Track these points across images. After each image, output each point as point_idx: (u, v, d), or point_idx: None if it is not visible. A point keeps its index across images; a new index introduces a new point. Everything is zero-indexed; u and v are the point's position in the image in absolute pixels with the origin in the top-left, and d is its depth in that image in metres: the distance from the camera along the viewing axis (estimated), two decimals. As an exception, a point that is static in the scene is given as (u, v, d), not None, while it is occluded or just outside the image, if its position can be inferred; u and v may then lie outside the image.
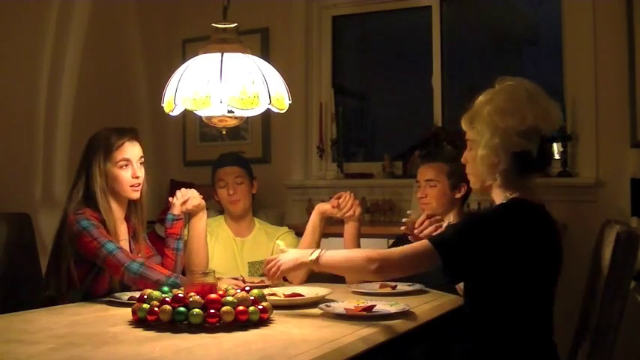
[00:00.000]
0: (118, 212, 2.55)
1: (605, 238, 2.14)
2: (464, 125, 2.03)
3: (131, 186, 2.51)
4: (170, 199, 2.72)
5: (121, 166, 2.49)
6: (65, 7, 3.83)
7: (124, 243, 2.53)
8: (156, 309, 1.92)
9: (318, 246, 2.79)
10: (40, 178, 3.66)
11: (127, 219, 2.60)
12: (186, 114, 2.43)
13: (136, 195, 2.54)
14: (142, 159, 2.56)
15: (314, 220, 2.85)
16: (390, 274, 2.07)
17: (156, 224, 3.79)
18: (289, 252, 2.15)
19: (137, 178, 2.51)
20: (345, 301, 2.23)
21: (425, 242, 1.92)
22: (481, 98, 2.00)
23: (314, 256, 2.03)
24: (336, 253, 2.07)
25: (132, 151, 2.52)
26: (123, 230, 2.56)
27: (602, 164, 3.59)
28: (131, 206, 2.60)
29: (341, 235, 3.70)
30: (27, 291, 2.58)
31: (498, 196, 1.99)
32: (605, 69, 3.59)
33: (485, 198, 3.45)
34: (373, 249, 2.04)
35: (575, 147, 3.67)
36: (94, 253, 2.36)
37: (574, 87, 3.69)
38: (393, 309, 2.05)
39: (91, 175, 2.47)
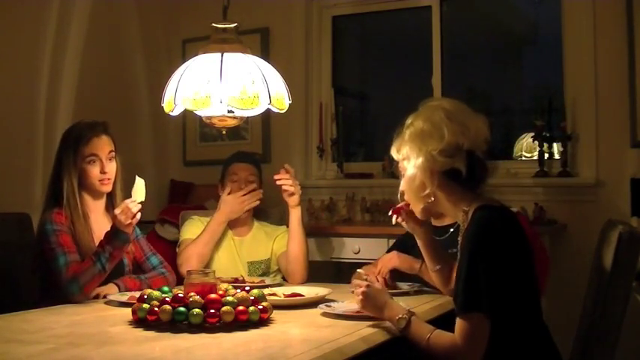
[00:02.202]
0: (94, 205, 2.57)
1: (606, 238, 2.13)
2: (393, 154, 2.03)
3: (99, 180, 2.52)
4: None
5: (90, 162, 2.50)
6: (65, 7, 3.83)
7: None
8: (156, 309, 1.92)
9: None
10: (40, 178, 3.65)
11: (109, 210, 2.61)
12: (186, 114, 2.43)
13: (106, 189, 2.55)
14: (112, 153, 2.55)
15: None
16: None
17: (156, 224, 3.79)
18: (377, 296, 1.97)
19: (105, 173, 2.51)
20: (345, 301, 2.22)
21: (460, 320, 1.79)
22: (405, 123, 2.01)
23: (402, 325, 1.87)
24: (424, 329, 1.88)
25: (100, 145, 2.52)
26: (104, 222, 2.55)
27: (602, 164, 3.59)
28: (110, 198, 2.61)
29: (343, 235, 3.72)
30: (27, 291, 2.58)
31: (455, 214, 1.96)
32: (605, 69, 3.59)
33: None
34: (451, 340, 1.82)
35: (575, 147, 3.67)
36: (50, 260, 2.39)
37: (574, 87, 3.69)
38: (393, 309, 2.04)
39: (62, 169, 2.50)
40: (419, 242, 2.28)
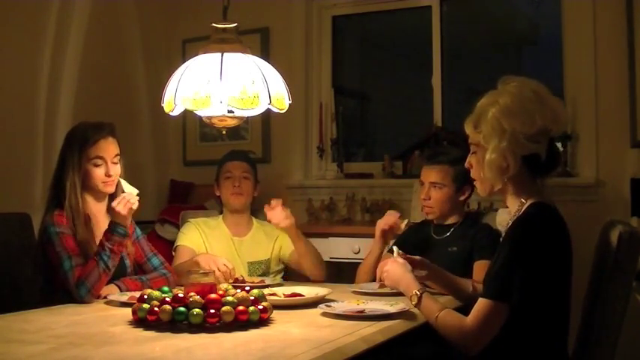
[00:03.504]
0: (96, 206, 2.55)
1: (606, 238, 2.13)
2: (467, 129, 1.97)
3: (103, 182, 2.50)
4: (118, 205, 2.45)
5: (95, 164, 2.48)
6: (65, 7, 3.84)
7: None
8: (156, 309, 1.91)
9: None
10: (40, 178, 3.65)
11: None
12: (186, 114, 2.43)
13: (109, 189, 2.53)
14: (118, 157, 2.53)
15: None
16: (477, 348, 1.86)
17: (156, 224, 3.79)
18: (399, 270, 2.08)
19: (110, 177, 2.50)
20: (345, 301, 2.23)
21: (484, 301, 1.83)
22: (484, 100, 1.94)
23: (414, 302, 1.96)
24: (433, 306, 1.95)
25: (107, 148, 2.50)
26: (106, 224, 2.51)
27: (602, 164, 3.59)
28: (112, 199, 2.58)
29: (343, 235, 3.73)
30: (27, 291, 2.58)
31: (512, 202, 1.95)
32: (605, 69, 3.59)
33: (486, 198, 3.46)
34: (463, 322, 1.87)
35: (575, 147, 3.67)
36: (56, 265, 2.39)
37: (574, 87, 3.69)
38: (393, 309, 2.05)
39: (65, 169, 2.48)
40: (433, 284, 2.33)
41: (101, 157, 2.48)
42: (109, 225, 2.41)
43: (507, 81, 1.96)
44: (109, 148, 2.51)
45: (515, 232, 1.87)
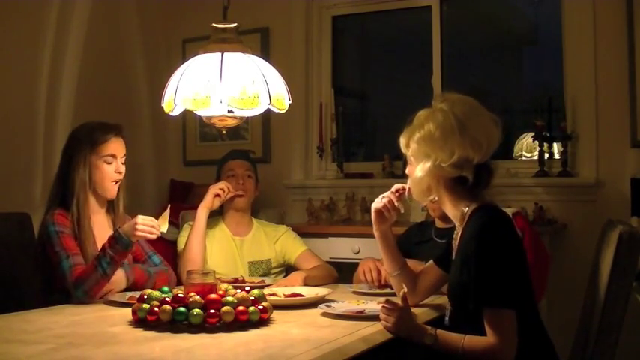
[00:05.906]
0: (97, 208, 2.56)
1: (606, 238, 2.14)
2: (401, 147, 2.05)
3: (113, 181, 2.52)
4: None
5: (107, 161, 2.51)
6: (65, 7, 3.83)
7: (105, 237, 2.45)
8: (156, 309, 1.92)
9: None
10: (40, 178, 3.65)
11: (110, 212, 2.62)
12: (186, 114, 2.43)
13: (113, 193, 2.55)
14: (125, 157, 2.57)
15: None
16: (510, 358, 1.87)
17: (156, 224, 3.79)
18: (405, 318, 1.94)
19: (120, 173, 2.53)
20: (345, 301, 2.23)
21: (494, 313, 1.82)
22: (416, 120, 2.01)
23: (431, 341, 1.88)
24: (454, 337, 1.89)
25: (118, 147, 2.54)
26: (105, 225, 2.55)
27: (602, 164, 3.59)
28: (110, 202, 2.61)
29: (343, 235, 3.72)
30: (27, 291, 2.58)
31: (453, 211, 2.00)
32: (605, 69, 3.59)
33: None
34: (476, 341, 1.85)
35: (575, 147, 3.67)
36: (55, 264, 2.39)
37: (574, 87, 3.69)
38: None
39: (74, 167, 2.48)
40: (379, 243, 2.26)
41: (113, 156, 2.52)
42: (115, 232, 2.38)
43: (440, 99, 2.01)
44: (120, 147, 2.55)
45: (479, 237, 1.86)
